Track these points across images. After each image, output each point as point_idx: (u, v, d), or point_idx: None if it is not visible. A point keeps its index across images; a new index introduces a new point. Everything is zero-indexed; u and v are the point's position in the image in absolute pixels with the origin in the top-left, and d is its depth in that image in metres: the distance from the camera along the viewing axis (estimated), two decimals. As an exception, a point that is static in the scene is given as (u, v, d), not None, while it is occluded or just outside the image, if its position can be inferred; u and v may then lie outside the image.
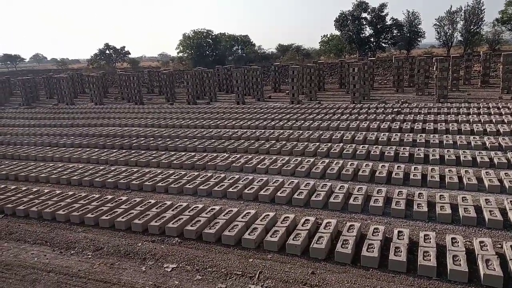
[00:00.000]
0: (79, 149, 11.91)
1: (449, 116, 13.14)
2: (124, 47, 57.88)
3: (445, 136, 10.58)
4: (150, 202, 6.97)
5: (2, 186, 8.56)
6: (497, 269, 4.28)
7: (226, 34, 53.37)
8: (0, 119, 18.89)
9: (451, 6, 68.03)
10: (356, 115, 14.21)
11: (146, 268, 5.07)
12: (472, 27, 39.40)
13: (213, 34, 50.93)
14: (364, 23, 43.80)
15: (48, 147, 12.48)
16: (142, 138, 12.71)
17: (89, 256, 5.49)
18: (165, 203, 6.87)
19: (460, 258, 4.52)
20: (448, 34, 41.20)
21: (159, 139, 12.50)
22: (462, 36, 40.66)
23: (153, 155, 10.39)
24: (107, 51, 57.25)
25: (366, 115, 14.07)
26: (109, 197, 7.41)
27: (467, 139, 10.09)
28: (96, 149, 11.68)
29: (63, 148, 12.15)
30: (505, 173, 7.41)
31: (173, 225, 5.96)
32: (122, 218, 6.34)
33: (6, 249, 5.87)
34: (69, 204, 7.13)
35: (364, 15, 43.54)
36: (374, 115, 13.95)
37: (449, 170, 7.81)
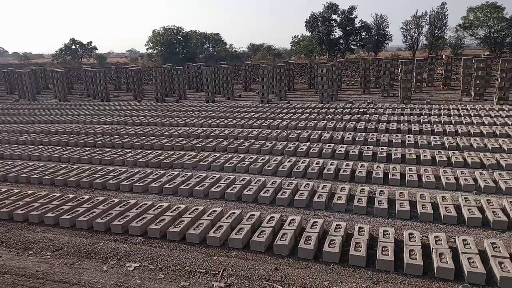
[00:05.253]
0: (40, 146, 11.49)
1: (411, 117, 13.62)
2: (91, 42, 56.22)
3: (407, 136, 10.97)
4: (114, 201, 6.83)
5: (-44, 185, 8.14)
6: (450, 262, 4.49)
7: (197, 31, 52.96)
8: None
9: (417, 11, 70.62)
10: (324, 115, 14.47)
11: (107, 268, 4.97)
12: (436, 31, 41.04)
13: (183, 31, 50.36)
14: (334, 25, 44.64)
15: (7, 145, 11.96)
16: (107, 136, 12.42)
17: (48, 257, 5.33)
18: (129, 202, 6.75)
19: (416, 252, 4.71)
20: (414, 37, 42.72)
21: (125, 137, 12.26)
22: (427, 40, 42.22)
23: (118, 153, 10.17)
24: (73, 46, 55.46)
25: (333, 115, 14.36)
26: (71, 196, 7.21)
27: (428, 139, 10.50)
28: (59, 147, 11.31)
29: (23, 146, 11.68)
30: (461, 172, 7.77)
31: (137, 224, 5.87)
32: (84, 217, 6.18)
33: (-42, 251, 5.59)
34: (28, 203, 6.88)
35: (334, 17, 44.36)
36: (341, 115, 14.25)
37: (409, 168, 8.10)
